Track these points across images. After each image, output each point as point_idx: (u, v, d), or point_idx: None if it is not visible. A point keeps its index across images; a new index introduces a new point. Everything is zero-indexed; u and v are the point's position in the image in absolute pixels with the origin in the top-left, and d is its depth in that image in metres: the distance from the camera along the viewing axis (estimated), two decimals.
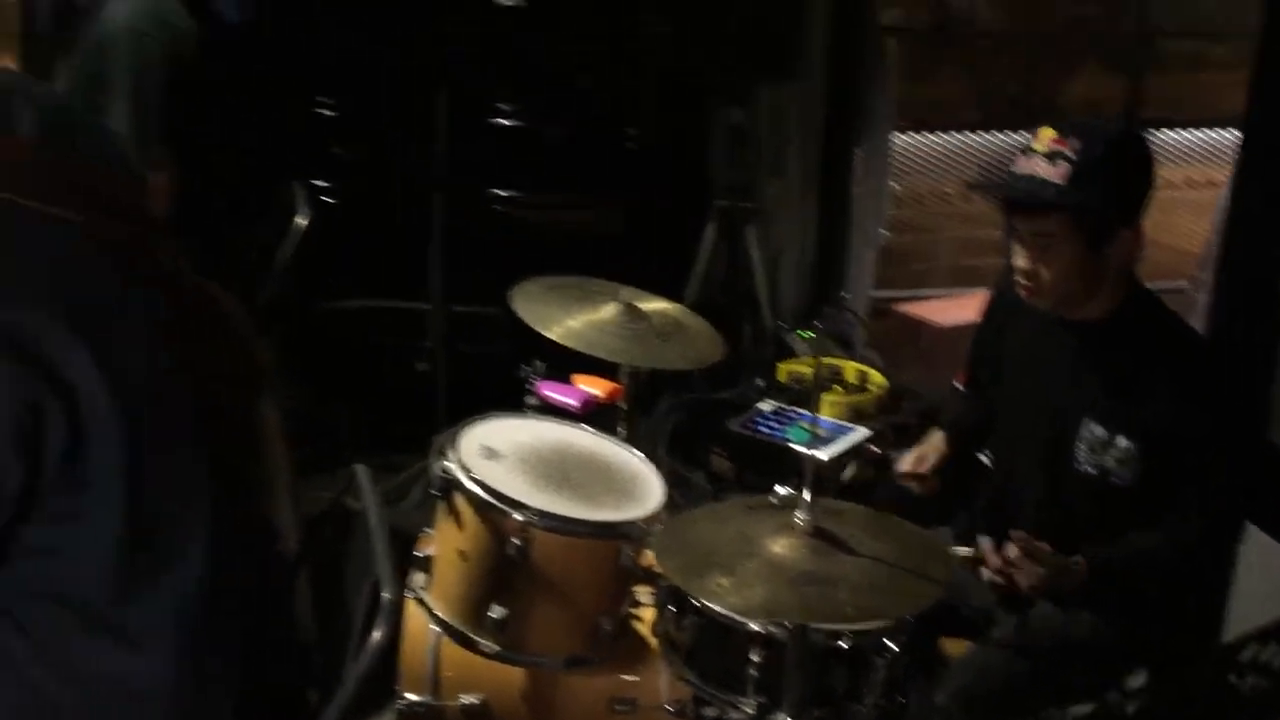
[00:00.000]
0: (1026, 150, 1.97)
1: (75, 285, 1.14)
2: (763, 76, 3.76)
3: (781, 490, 1.68)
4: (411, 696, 2.06)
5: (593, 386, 2.41)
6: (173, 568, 1.19)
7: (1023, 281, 2.01)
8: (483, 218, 4.36)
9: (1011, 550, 1.95)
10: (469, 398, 2.63)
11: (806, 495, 1.60)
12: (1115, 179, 1.94)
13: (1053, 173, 1.91)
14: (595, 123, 4.48)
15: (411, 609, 2.07)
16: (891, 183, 4.83)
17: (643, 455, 2.12)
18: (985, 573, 2.01)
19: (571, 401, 2.35)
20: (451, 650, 2.06)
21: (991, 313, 2.30)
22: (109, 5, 2.40)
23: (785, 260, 4.01)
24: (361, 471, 1.46)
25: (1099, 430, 2.03)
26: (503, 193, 4.43)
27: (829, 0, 3.81)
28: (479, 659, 2.02)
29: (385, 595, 1.23)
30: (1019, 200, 1.98)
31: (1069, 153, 1.90)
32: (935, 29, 4.69)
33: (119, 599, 1.16)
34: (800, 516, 1.60)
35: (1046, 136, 1.93)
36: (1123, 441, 2.00)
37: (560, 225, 4.46)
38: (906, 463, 2.27)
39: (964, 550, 2.05)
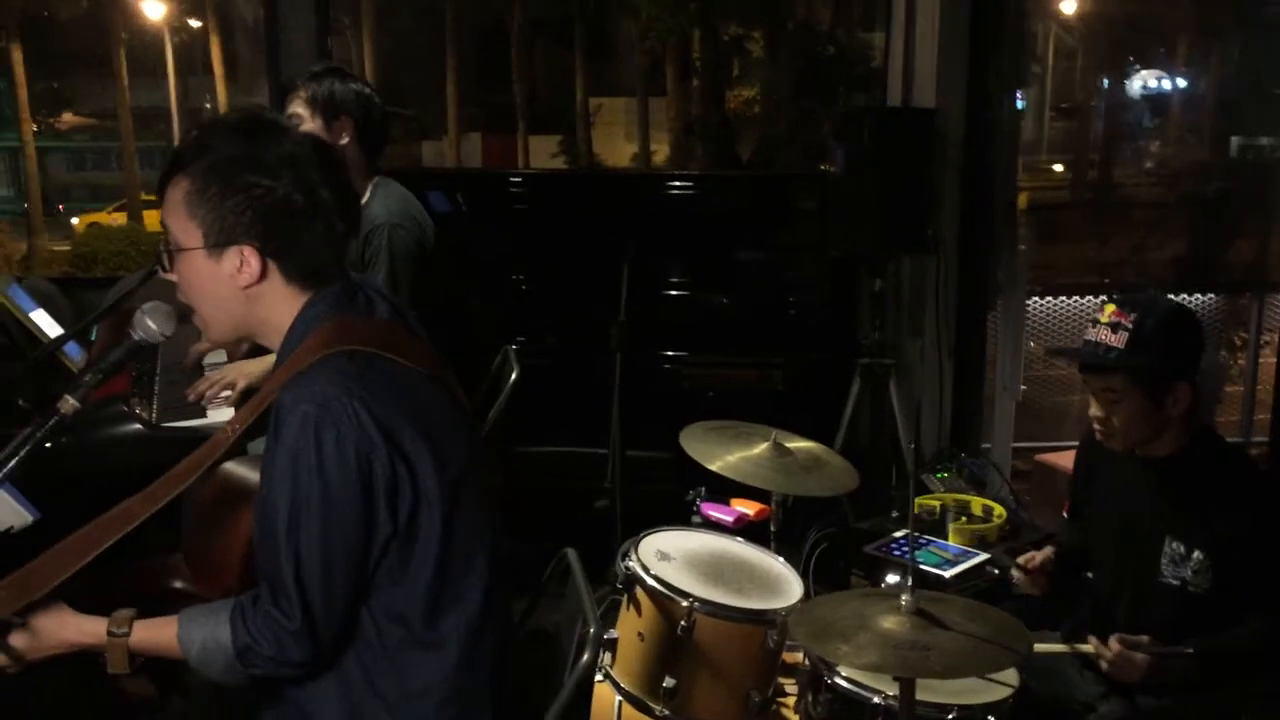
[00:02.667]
0: (1095, 321, 2.41)
1: (419, 405, 1.72)
2: (902, 249, 4.27)
3: (892, 579, 2.13)
4: None
5: (745, 507, 2.89)
6: (463, 596, 1.74)
7: (1098, 428, 2.43)
8: (657, 375, 4.93)
9: (1114, 646, 2.33)
10: (641, 529, 3.14)
11: (909, 583, 2.04)
12: (1167, 344, 2.34)
13: (1114, 339, 2.35)
14: (758, 292, 5.05)
15: (598, 688, 2.55)
16: (1031, 342, 5.23)
17: (784, 560, 2.59)
18: (1104, 665, 2.36)
19: (727, 518, 2.84)
20: None
21: (1082, 455, 2.71)
22: (370, 206, 3.00)
23: (926, 410, 4.45)
24: (571, 553, 1.98)
25: (1179, 546, 2.39)
26: (676, 354, 5.01)
27: (957, 182, 4.32)
28: None
29: (591, 629, 1.74)
30: (1087, 363, 2.41)
31: (1127, 324, 2.34)
32: (1061, 205, 5.11)
33: (430, 616, 1.71)
34: (905, 599, 2.03)
35: (1109, 310, 2.38)
36: (1197, 555, 2.36)
37: (725, 381, 4.99)
38: (1022, 559, 2.68)
39: (1083, 646, 2.43)
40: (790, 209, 5.09)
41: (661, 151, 25.21)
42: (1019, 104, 4.68)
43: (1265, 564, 2.30)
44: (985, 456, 4.49)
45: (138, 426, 2.56)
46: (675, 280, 5.13)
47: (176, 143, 1.83)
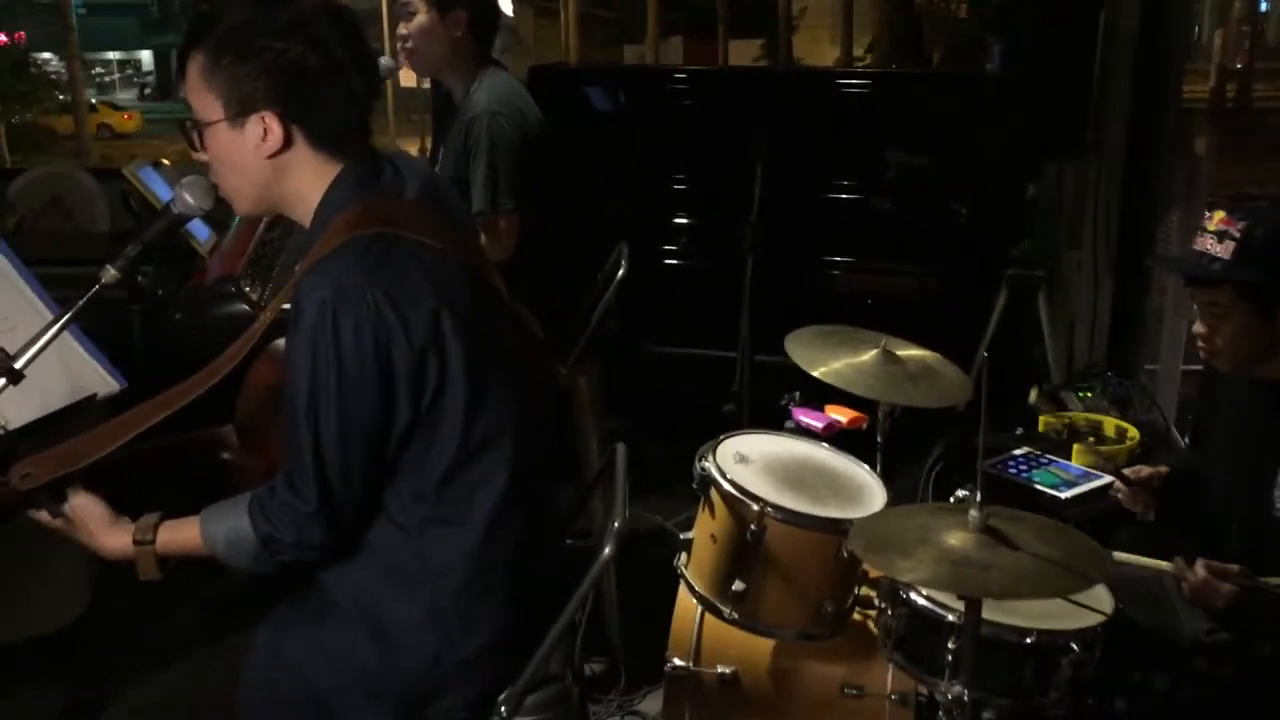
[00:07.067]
0: (1201, 230, 2.21)
1: (446, 286, 1.70)
2: (1057, 154, 4.00)
3: (961, 493, 2.03)
4: (677, 661, 2.52)
5: (838, 414, 2.80)
6: (489, 478, 1.75)
7: (1201, 346, 2.25)
8: (815, 281, 4.83)
9: (1199, 571, 2.17)
10: None
11: (978, 498, 1.94)
12: (1278, 255, 2.13)
13: (1220, 249, 2.15)
14: (920, 199, 4.87)
15: (684, 590, 2.54)
16: None
17: (870, 469, 2.50)
18: (1186, 590, 2.19)
19: (816, 424, 2.76)
20: (713, 626, 2.49)
21: (1203, 380, 2.51)
22: (474, 95, 3.00)
23: (1079, 327, 4.21)
24: (620, 448, 1.96)
25: None
26: (832, 259, 4.89)
27: (1129, 82, 4.01)
28: (735, 635, 2.42)
29: (615, 524, 1.72)
30: (1190, 274, 2.23)
31: (1235, 232, 2.14)
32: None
33: (454, 496, 1.73)
34: (972, 515, 1.93)
35: (1217, 217, 2.17)
36: None
37: (877, 289, 4.85)
38: (1128, 470, 2.54)
39: (1164, 564, 2.27)
40: (952, 109, 4.85)
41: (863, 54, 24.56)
42: None
43: None
44: (1146, 378, 4.23)
45: (244, 307, 2.65)
46: (840, 183, 4.99)
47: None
